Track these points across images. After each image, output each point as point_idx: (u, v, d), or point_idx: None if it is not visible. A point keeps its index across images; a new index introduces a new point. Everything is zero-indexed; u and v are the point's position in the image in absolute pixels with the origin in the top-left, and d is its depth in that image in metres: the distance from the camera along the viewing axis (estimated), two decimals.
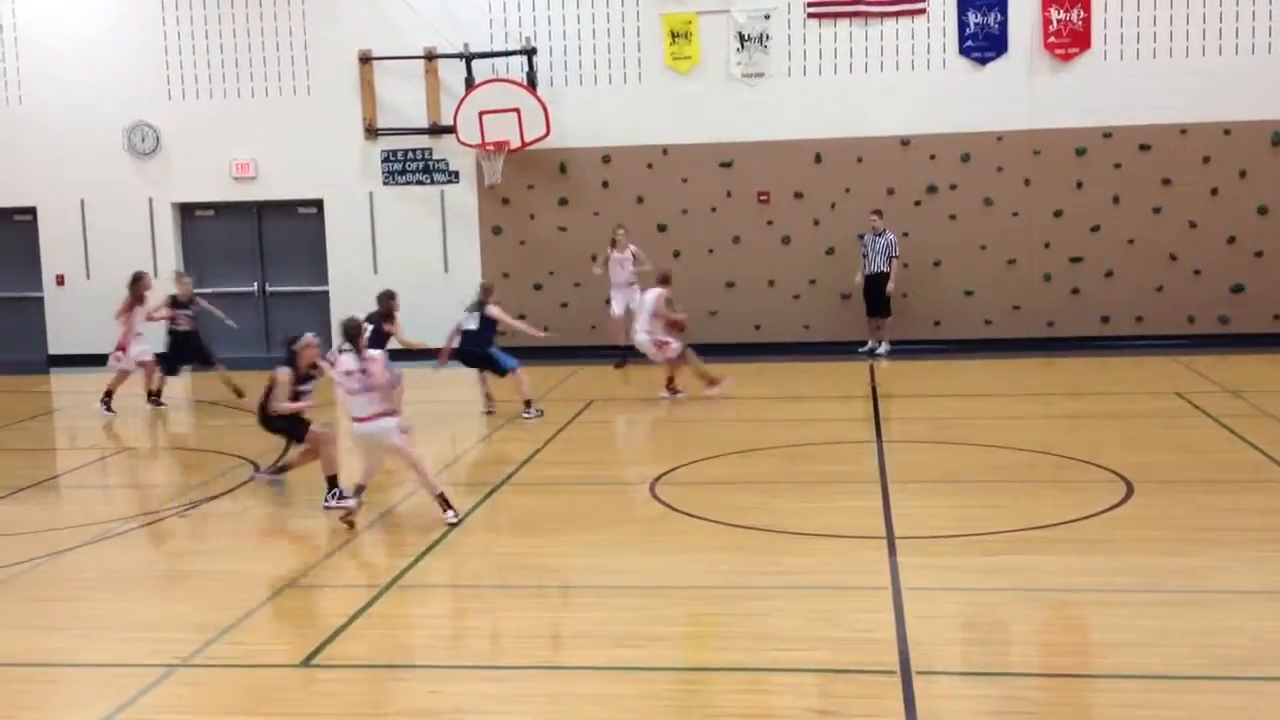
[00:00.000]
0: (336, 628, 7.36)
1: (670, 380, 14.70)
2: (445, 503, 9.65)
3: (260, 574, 8.51)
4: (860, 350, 17.71)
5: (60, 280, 19.43)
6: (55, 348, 19.48)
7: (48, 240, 19.41)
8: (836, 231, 18.09)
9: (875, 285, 17.52)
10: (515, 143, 17.81)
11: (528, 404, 13.85)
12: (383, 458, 9.96)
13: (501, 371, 14.00)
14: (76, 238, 19.28)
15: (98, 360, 18.83)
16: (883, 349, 17.69)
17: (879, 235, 17.44)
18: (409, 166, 18.74)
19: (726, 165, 18.19)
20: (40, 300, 19.57)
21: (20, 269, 19.58)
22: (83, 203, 19.19)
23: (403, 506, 10.55)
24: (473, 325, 13.94)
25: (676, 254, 18.05)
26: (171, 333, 15.41)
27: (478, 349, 13.98)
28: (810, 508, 9.81)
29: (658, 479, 10.74)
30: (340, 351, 9.89)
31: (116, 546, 9.37)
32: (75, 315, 19.32)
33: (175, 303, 15.43)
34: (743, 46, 18.09)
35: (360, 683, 6.68)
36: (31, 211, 19.41)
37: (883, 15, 17.86)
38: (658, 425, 13.64)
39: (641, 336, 14.74)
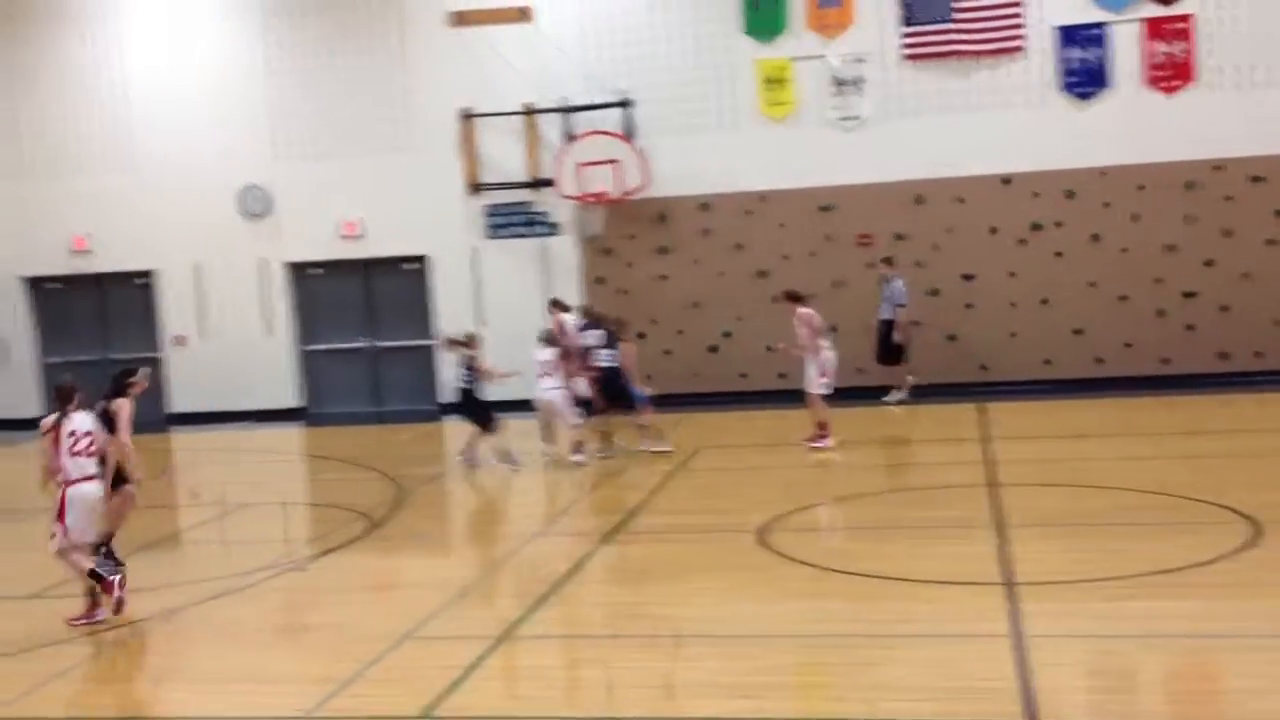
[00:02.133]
0: (453, 680, 7.41)
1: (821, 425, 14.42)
2: (93, 599, 9.05)
3: (377, 626, 8.60)
4: (883, 399, 17.31)
5: (178, 341, 20.03)
6: (173, 406, 20.05)
7: (165, 302, 20.04)
8: (940, 273, 17.91)
9: (883, 333, 17.32)
10: (614, 193, 17.99)
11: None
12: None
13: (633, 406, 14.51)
14: (192, 300, 19.88)
15: (214, 418, 19.46)
16: (893, 396, 17.31)
17: (888, 282, 17.26)
18: (511, 220, 19.01)
19: (825, 209, 18.15)
20: (159, 360, 20.17)
21: (140, 331, 20.22)
22: (198, 265, 19.80)
23: (514, 559, 10.64)
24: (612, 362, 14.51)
25: (776, 299, 18.00)
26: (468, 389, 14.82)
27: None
28: (921, 553, 9.67)
29: (766, 526, 10.67)
30: None
31: (237, 601, 9.55)
32: (192, 375, 19.90)
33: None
34: (838, 91, 18.09)
35: None
36: (151, 275, 20.07)
37: (979, 54, 17.74)
38: (764, 472, 13.56)
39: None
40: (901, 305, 17.27)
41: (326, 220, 19.39)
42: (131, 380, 10.31)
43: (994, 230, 17.79)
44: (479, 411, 14.50)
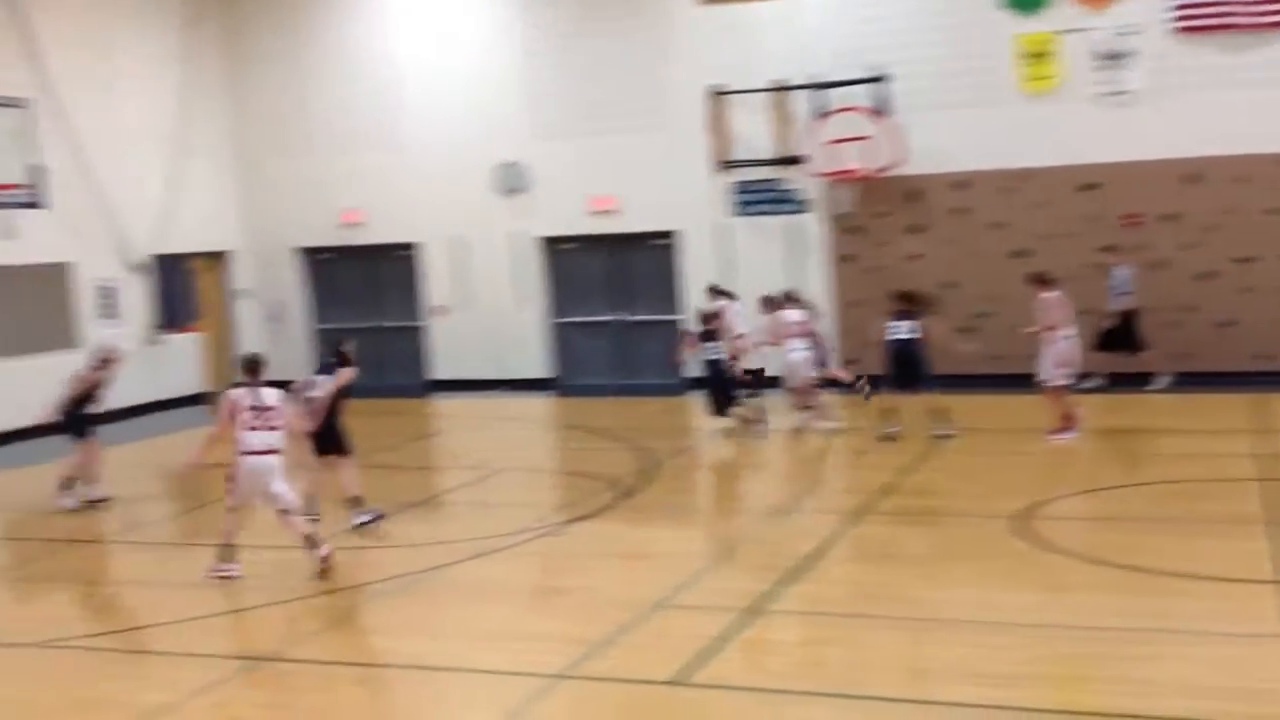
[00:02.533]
0: (700, 649, 7.51)
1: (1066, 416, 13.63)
2: (313, 542, 9.47)
3: (628, 593, 8.80)
4: (1145, 388, 16.29)
5: (438, 311, 20.91)
6: (433, 373, 20.94)
7: (426, 274, 20.94)
8: (1214, 255, 16.92)
9: (1108, 322, 16.51)
10: (865, 170, 17.74)
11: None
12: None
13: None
14: (451, 271, 20.70)
15: (471, 385, 20.25)
16: (1155, 384, 16.40)
17: (1112, 269, 16.49)
18: (759, 197, 18.99)
19: (1088, 188, 17.40)
20: (419, 329, 21.10)
21: (403, 300, 21.20)
22: (457, 239, 20.58)
23: (762, 533, 10.69)
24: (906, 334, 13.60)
25: (1026, 281, 17.38)
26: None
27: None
28: (1190, 548, 9.19)
29: (1025, 513, 10.35)
30: None
31: (495, 561, 9.93)
32: (451, 344, 20.74)
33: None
34: (1105, 65, 17.30)
35: (727, 704, 6.80)
36: (413, 248, 21.00)
37: (1257, 27, 16.64)
38: (1018, 457, 13.15)
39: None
40: (1125, 294, 16.48)
41: (578, 196, 19.80)
42: (348, 354, 11.15)
43: (1274, 212, 16.68)
44: (722, 388, 14.49)
